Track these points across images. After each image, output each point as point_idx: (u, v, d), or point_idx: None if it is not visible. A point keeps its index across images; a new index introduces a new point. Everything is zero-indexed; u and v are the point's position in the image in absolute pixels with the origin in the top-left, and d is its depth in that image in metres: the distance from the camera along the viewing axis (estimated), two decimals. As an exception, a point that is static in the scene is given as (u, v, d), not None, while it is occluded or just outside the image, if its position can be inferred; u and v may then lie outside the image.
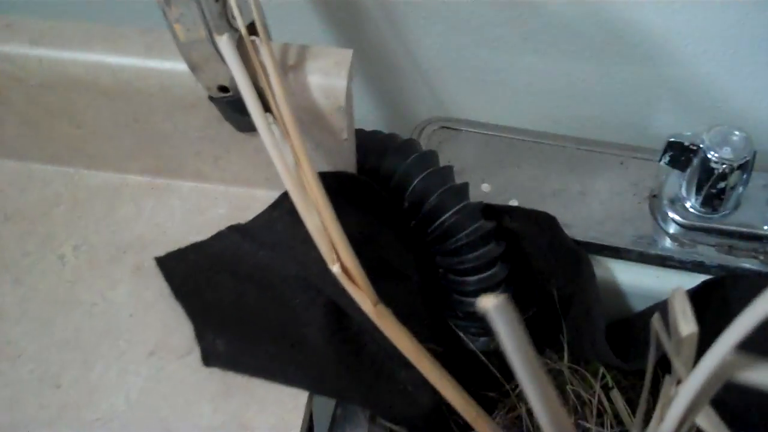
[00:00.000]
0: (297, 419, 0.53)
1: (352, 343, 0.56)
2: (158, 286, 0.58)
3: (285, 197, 0.57)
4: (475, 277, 0.61)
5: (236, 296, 0.57)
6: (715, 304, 0.60)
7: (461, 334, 0.64)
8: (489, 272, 0.62)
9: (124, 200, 0.63)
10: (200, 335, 0.54)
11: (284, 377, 0.54)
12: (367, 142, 0.62)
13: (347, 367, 0.56)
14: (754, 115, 0.67)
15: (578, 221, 0.64)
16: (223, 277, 0.57)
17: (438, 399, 0.55)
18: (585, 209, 0.65)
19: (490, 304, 0.29)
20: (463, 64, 0.70)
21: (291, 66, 0.54)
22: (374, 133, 0.63)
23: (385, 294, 0.59)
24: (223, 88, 0.54)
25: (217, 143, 0.59)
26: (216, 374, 0.55)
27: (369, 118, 0.75)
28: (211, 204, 0.63)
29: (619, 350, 0.62)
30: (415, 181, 0.61)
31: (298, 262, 0.55)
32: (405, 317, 0.60)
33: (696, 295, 0.59)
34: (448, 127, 0.71)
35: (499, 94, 0.71)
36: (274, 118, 0.52)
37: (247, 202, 0.62)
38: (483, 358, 0.63)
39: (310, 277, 0.55)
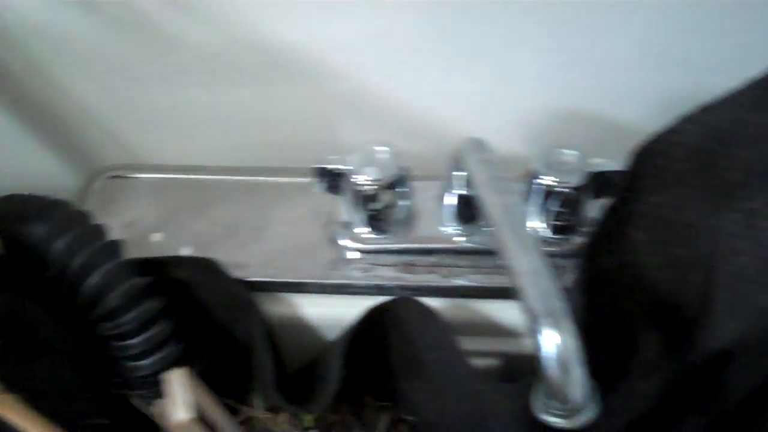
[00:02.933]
0: None
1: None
2: None
3: None
4: (138, 339, 0.57)
5: None
6: (394, 323, 0.58)
7: (135, 401, 0.59)
8: (152, 331, 0.57)
9: None
10: None
11: None
12: (2, 210, 0.57)
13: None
14: (431, 117, 0.64)
15: (254, 260, 0.61)
16: None
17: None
18: (260, 245, 0.62)
19: None
20: (130, 106, 0.66)
21: None
22: (10, 198, 0.58)
23: (35, 374, 0.54)
24: None
25: None
26: None
27: (39, 173, 0.69)
28: None
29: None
30: (58, 246, 0.56)
31: None
32: (59, 395, 0.56)
33: (375, 316, 0.56)
34: (121, 176, 0.66)
35: (174, 133, 0.67)
36: None
37: None
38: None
39: None
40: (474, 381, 0.56)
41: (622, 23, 0.56)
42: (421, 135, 0.64)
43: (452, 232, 0.60)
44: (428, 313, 0.55)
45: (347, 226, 0.60)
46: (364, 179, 0.55)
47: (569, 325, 0.41)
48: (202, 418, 0.43)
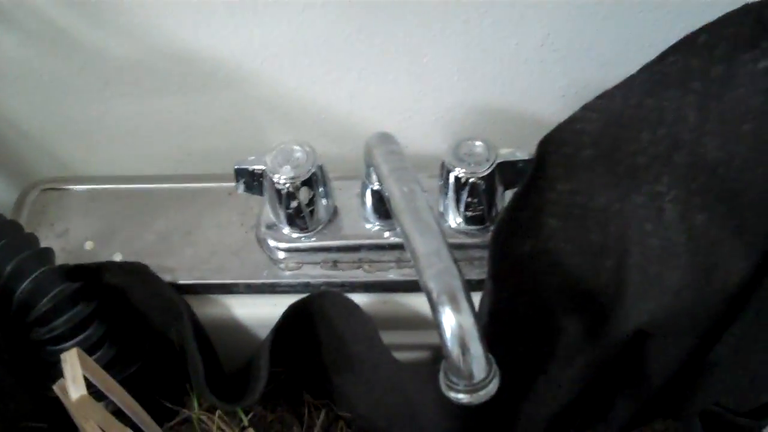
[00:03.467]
0: None
1: None
2: None
3: None
4: (71, 342, 0.58)
5: None
6: (319, 317, 0.59)
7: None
8: (85, 333, 0.59)
9: None
10: None
11: None
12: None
13: None
14: (351, 119, 0.66)
15: (183, 263, 0.62)
16: None
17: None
18: (191, 249, 0.63)
19: None
20: (60, 120, 0.67)
21: None
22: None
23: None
24: None
25: None
26: None
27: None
28: None
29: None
30: (-14, 257, 0.57)
31: None
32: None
33: (299, 312, 0.58)
34: (53, 189, 0.68)
35: (104, 144, 0.69)
36: None
37: None
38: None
39: None
40: (396, 369, 0.58)
41: (525, 20, 0.59)
42: (342, 136, 0.67)
43: (375, 228, 0.62)
44: (349, 304, 0.57)
45: (272, 226, 0.62)
46: (280, 177, 0.56)
47: (466, 304, 0.43)
48: (105, 397, 0.44)
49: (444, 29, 0.59)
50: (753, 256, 0.53)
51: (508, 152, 0.57)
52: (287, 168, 0.57)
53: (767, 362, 0.56)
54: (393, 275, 0.62)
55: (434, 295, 0.43)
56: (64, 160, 0.70)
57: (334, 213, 0.62)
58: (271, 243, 0.62)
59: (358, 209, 0.62)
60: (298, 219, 0.59)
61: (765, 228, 0.52)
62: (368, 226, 0.62)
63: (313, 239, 0.61)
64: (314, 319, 0.59)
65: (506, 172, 0.58)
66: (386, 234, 0.62)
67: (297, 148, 0.58)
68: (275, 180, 0.57)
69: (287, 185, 0.57)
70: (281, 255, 0.62)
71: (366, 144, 0.53)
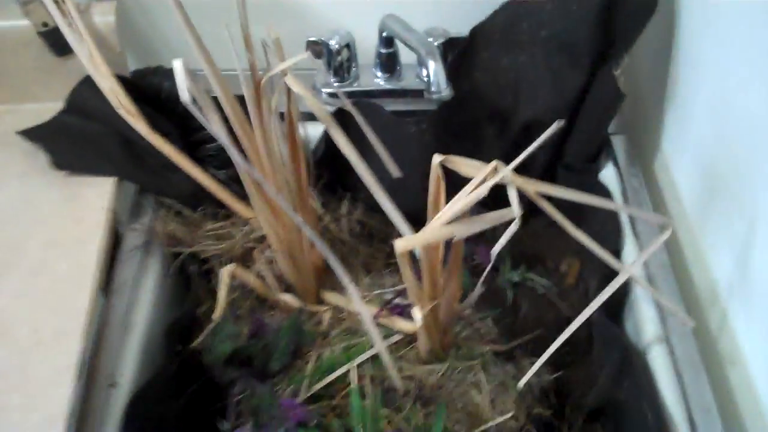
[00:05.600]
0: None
1: (139, 156, 0.98)
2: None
3: (86, 79, 0.98)
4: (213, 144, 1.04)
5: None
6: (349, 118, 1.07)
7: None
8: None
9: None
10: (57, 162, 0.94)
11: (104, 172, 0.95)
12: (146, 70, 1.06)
13: (138, 170, 0.98)
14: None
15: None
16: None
17: (196, 186, 0.97)
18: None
19: None
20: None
21: (83, 11, 0.97)
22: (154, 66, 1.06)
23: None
24: (45, 24, 0.96)
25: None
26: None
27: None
28: None
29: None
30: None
31: (105, 121, 0.97)
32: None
33: (340, 113, 1.05)
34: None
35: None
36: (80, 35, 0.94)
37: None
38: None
39: (113, 123, 0.96)
40: (395, 122, 1.04)
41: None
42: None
43: (382, 81, 1.10)
44: (371, 104, 1.05)
45: (323, 81, 1.11)
46: (332, 41, 1.06)
47: (440, 57, 0.92)
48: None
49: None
50: (583, 76, 1.02)
51: (455, 34, 1.08)
52: (337, 37, 1.06)
53: (592, 132, 1.05)
54: (392, 107, 1.10)
55: (423, 54, 0.92)
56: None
57: (357, 74, 1.11)
58: (322, 90, 1.10)
59: (371, 70, 1.11)
60: (340, 70, 1.08)
61: (587, 61, 1.02)
62: (377, 81, 1.11)
63: (346, 86, 1.10)
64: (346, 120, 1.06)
65: (453, 45, 1.08)
66: (384, 83, 1.11)
67: (341, 29, 1.07)
68: (330, 43, 1.06)
69: (336, 45, 1.06)
70: (326, 98, 1.10)
71: (381, 20, 1.03)
